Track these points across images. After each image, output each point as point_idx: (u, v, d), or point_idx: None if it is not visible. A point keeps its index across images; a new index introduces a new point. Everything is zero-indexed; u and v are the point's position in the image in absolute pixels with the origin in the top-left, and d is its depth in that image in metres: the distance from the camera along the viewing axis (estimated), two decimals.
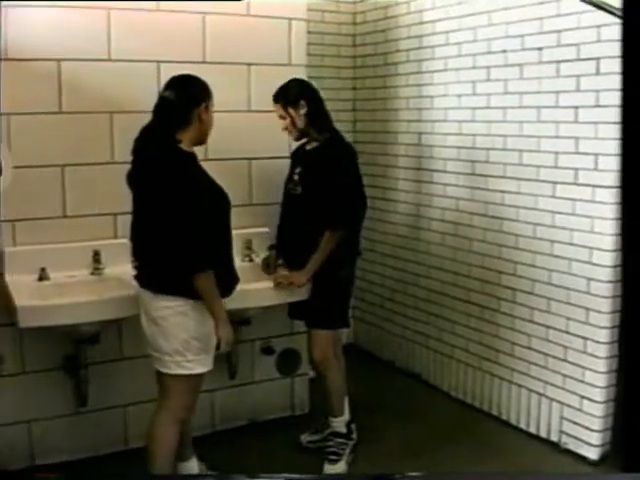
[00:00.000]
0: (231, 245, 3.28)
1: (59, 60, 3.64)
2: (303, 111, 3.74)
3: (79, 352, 3.68)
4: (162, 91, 3.16)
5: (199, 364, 3.15)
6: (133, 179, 3.15)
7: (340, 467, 3.85)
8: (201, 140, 3.22)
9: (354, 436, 3.99)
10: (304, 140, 3.86)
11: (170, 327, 3.10)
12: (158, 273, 3.13)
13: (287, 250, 3.90)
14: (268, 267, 3.98)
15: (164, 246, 3.06)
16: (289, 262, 3.87)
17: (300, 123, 3.76)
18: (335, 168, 3.73)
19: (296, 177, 3.85)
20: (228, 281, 3.25)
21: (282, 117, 3.78)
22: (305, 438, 4.11)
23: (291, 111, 3.74)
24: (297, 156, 3.93)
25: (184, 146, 3.12)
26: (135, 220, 3.19)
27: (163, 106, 3.12)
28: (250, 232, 4.16)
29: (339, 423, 3.95)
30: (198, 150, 3.27)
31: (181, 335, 3.09)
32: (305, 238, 3.75)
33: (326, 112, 3.84)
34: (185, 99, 3.12)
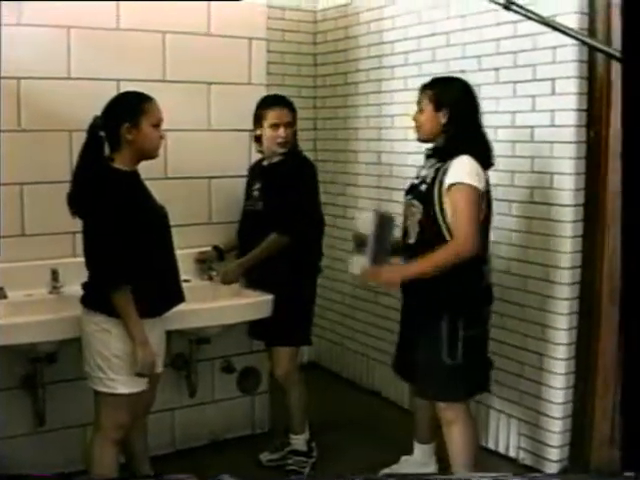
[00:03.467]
0: (170, 262, 3.23)
1: (19, 78, 3.63)
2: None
3: (36, 371, 3.65)
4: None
5: (121, 384, 3.09)
6: (67, 198, 3.09)
7: None
8: (141, 158, 3.13)
9: (314, 454, 4.00)
10: (260, 156, 3.89)
11: (94, 342, 3.09)
12: (85, 289, 3.15)
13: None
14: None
15: (87, 263, 3.10)
16: (250, 278, 3.89)
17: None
18: (296, 181, 3.77)
19: (256, 193, 3.86)
20: (165, 299, 3.22)
21: None
22: (265, 457, 4.08)
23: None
24: (254, 172, 3.94)
25: (119, 164, 3.07)
26: None
27: (92, 125, 3.08)
28: (210, 251, 4.12)
29: (300, 441, 3.95)
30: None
31: (103, 352, 3.08)
32: None
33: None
34: (109, 120, 3.05)
